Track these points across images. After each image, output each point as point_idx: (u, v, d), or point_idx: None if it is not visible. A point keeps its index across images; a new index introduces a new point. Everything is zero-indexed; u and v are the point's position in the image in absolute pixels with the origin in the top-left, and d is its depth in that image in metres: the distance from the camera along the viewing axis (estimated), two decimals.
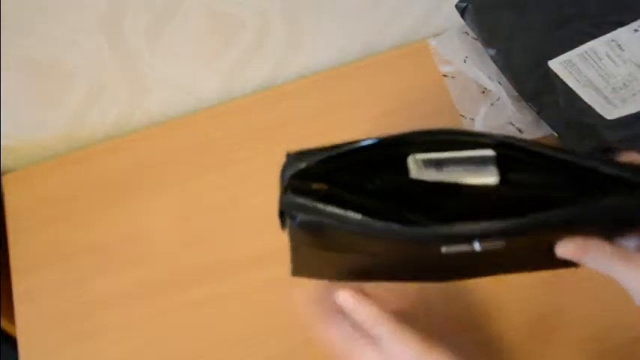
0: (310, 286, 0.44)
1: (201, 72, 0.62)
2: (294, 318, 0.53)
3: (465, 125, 0.61)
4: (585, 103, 0.57)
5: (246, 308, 0.54)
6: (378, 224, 0.33)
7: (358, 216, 0.33)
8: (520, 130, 0.60)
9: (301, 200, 0.34)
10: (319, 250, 0.39)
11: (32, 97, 0.56)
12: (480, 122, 0.61)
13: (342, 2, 0.60)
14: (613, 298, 0.41)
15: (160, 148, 0.62)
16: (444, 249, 0.35)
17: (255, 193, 0.59)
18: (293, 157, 0.35)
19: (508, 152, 0.34)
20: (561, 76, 0.58)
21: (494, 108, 0.61)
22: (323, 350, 0.52)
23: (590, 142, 0.54)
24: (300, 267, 0.41)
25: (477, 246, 0.35)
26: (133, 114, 0.63)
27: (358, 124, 0.62)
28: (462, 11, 0.63)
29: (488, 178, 0.34)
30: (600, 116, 0.56)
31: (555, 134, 0.57)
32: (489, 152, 0.34)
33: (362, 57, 0.67)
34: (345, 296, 0.41)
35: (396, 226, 0.33)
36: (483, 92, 0.63)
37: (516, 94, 0.60)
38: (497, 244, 0.35)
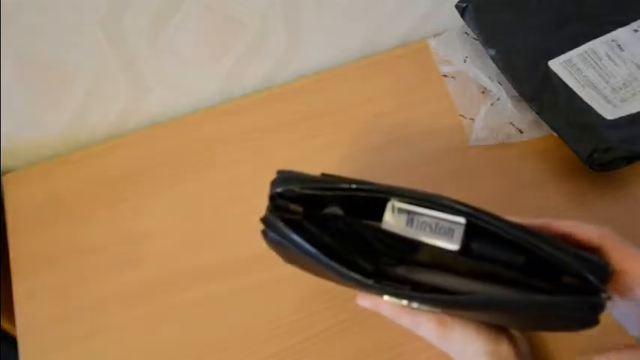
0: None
1: (201, 72, 0.62)
2: (295, 317, 0.53)
3: (465, 125, 0.61)
4: (585, 103, 0.57)
5: (246, 308, 0.54)
6: (327, 262, 0.35)
7: (312, 249, 0.35)
8: (520, 131, 0.60)
9: (275, 221, 0.36)
10: (290, 261, 0.42)
11: (32, 97, 0.56)
12: (480, 122, 0.61)
13: (342, 2, 0.60)
14: None
15: (160, 148, 0.62)
16: (385, 297, 0.38)
17: (255, 193, 0.58)
18: (282, 177, 0.38)
19: (479, 222, 0.35)
20: (561, 76, 0.58)
21: (494, 108, 0.61)
22: (324, 349, 0.52)
23: (590, 142, 0.54)
24: (287, 260, 0.43)
25: (414, 305, 0.37)
26: (133, 114, 0.63)
27: (358, 124, 0.62)
28: (462, 11, 0.63)
29: (450, 244, 0.35)
30: (600, 116, 0.56)
31: (555, 134, 0.57)
32: (460, 219, 0.35)
33: (362, 57, 0.67)
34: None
35: (341, 269, 0.35)
36: (483, 92, 0.63)
37: (516, 94, 0.60)
38: (434, 310, 0.38)
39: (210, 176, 0.61)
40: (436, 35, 0.67)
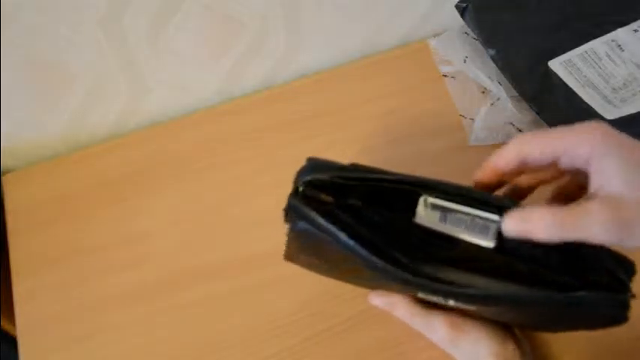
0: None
1: (201, 72, 0.62)
2: (295, 317, 0.53)
3: (465, 125, 0.61)
4: (585, 103, 0.57)
5: (246, 308, 0.54)
6: (364, 253, 0.34)
7: (350, 241, 0.34)
8: (520, 130, 0.60)
9: (306, 210, 0.35)
10: (310, 254, 0.40)
11: (32, 98, 0.56)
12: (480, 122, 0.61)
13: (342, 2, 0.60)
14: None
15: (160, 148, 0.62)
16: (420, 294, 0.37)
17: (255, 193, 0.59)
18: (312, 165, 0.36)
19: None
20: (561, 76, 0.58)
21: (494, 108, 0.61)
22: (324, 349, 0.52)
23: None
24: (292, 256, 0.42)
25: (451, 302, 0.36)
26: (133, 114, 0.63)
27: (358, 124, 0.62)
28: (462, 11, 0.63)
29: (486, 241, 0.35)
30: (600, 116, 0.56)
31: None
32: (495, 217, 0.34)
33: (362, 57, 0.67)
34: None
35: (379, 262, 0.34)
36: (483, 92, 0.63)
37: (516, 94, 0.60)
38: (469, 307, 0.37)
39: (210, 176, 0.60)
40: (436, 35, 0.67)
